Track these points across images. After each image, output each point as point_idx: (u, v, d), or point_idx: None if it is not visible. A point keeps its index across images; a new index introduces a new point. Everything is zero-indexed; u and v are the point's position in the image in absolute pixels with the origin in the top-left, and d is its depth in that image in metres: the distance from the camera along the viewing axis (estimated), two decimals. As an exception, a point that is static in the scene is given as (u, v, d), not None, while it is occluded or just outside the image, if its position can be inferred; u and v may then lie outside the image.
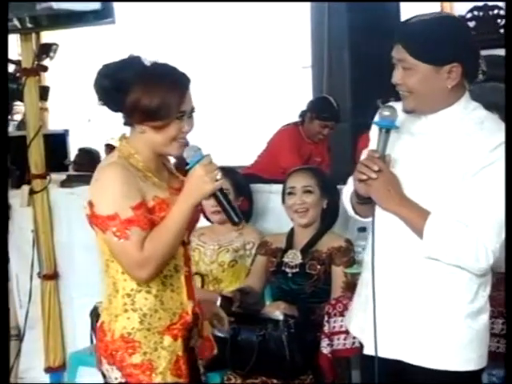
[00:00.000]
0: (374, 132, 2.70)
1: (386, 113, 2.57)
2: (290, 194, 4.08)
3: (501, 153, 2.48)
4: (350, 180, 2.79)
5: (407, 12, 3.02)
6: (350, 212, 2.88)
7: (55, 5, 5.37)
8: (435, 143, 2.58)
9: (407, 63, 2.52)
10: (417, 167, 2.59)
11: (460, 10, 7.96)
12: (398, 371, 2.64)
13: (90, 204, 2.54)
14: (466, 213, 2.49)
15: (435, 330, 2.59)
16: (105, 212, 2.49)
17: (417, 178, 2.58)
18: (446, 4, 9.04)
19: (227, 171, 4.40)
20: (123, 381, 2.58)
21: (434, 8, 8.65)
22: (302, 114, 6.20)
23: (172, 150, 2.60)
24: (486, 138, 2.51)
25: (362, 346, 2.75)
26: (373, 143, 2.66)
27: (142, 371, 2.56)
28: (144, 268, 2.50)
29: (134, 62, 2.58)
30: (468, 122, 2.57)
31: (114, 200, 2.49)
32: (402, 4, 6.90)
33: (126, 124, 2.66)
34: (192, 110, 2.60)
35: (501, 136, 2.50)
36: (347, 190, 2.86)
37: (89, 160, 7.66)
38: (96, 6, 5.15)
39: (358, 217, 2.87)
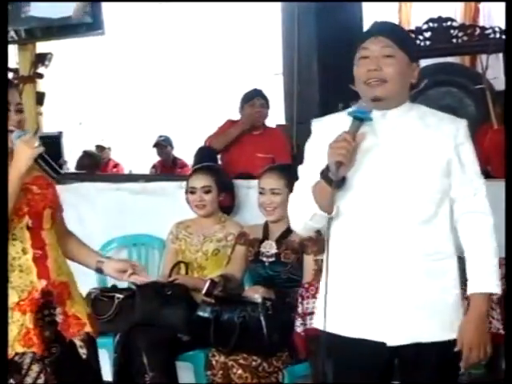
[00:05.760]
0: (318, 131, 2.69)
1: (363, 104, 2.54)
2: (260, 193, 4.13)
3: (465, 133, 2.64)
4: (305, 181, 2.64)
5: (368, 25, 3.12)
6: (309, 213, 2.60)
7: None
8: (400, 138, 2.59)
9: (390, 51, 2.55)
10: (385, 162, 2.57)
11: (417, 21, 8.05)
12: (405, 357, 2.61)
13: None
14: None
15: (442, 306, 2.60)
16: None
17: (399, 178, 2.56)
18: (404, 16, 9.15)
19: (210, 169, 4.48)
20: None
21: (393, 20, 8.77)
22: None
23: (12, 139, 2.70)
24: (450, 125, 2.63)
25: None
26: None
27: None
28: None
29: None
30: (426, 116, 2.65)
31: None
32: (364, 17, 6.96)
33: None
34: (18, 104, 2.77)
35: (459, 121, 2.66)
36: (301, 192, 2.64)
37: (90, 163, 7.76)
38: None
39: (319, 216, 2.59)
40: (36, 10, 5.51)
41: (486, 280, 2.58)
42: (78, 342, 2.81)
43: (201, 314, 3.84)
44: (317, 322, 2.71)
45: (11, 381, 2.66)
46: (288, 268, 3.98)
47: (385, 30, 2.62)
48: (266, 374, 3.71)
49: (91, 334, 2.87)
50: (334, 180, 2.46)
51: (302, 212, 2.63)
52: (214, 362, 3.75)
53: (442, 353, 2.60)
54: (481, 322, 2.58)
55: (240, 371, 3.69)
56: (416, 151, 2.59)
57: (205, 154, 5.37)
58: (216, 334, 3.74)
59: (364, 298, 2.59)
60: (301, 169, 2.72)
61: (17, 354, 2.66)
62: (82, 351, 2.82)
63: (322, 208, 2.56)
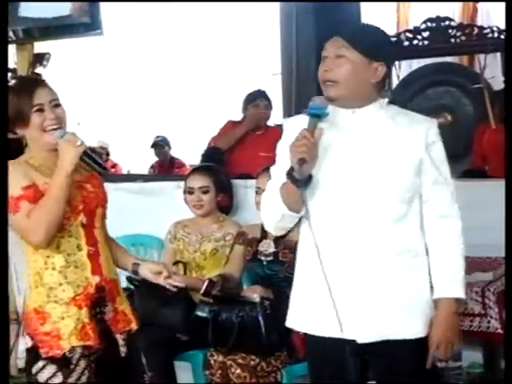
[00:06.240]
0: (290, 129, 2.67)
1: (318, 100, 2.55)
2: (256, 192, 4.13)
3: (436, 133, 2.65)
4: (276, 181, 2.65)
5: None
6: (278, 214, 2.62)
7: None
8: (370, 136, 2.60)
9: (342, 51, 2.56)
10: (356, 160, 2.57)
11: (415, 21, 8.04)
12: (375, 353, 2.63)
13: None
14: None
15: (417, 304, 2.62)
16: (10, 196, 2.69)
17: (361, 173, 2.57)
18: (402, 15, 9.14)
19: (208, 169, 4.48)
20: (31, 345, 2.76)
21: (391, 19, 8.78)
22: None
23: (47, 138, 2.75)
24: (421, 124, 2.64)
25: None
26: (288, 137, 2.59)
27: (51, 337, 2.73)
28: (34, 233, 2.68)
29: None
30: (398, 115, 2.66)
31: (10, 186, 2.68)
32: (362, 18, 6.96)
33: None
34: (52, 101, 2.78)
35: (430, 120, 2.68)
36: (272, 193, 2.64)
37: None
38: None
39: (288, 216, 2.62)
40: (34, 10, 5.51)
41: (452, 286, 2.62)
42: (120, 341, 2.89)
43: (199, 313, 3.84)
44: (288, 321, 2.81)
45: (59, 375, 2.73)
46: (286, 267, 3.97)
47: (341, 30, 2.63)
48: (264, 373, 3.72)
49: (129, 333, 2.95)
50: (299, 179, 2.47)
51: (272, 213, 2.65)
52: (212, 362, 3.76)
53: (417, 350, 2.61)
54: (450, 323, 2.62)
55: (238, 371, 3.70)
56: (387, 149, 2.59)
57: (211, 154, 5.41)
58: (214, 333, 3.76)
59: (337, 298, 2.57)
60: (273, 169, 2.73)
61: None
62: (123, 350, 2.90)
63: (290, 208, 2.58)
